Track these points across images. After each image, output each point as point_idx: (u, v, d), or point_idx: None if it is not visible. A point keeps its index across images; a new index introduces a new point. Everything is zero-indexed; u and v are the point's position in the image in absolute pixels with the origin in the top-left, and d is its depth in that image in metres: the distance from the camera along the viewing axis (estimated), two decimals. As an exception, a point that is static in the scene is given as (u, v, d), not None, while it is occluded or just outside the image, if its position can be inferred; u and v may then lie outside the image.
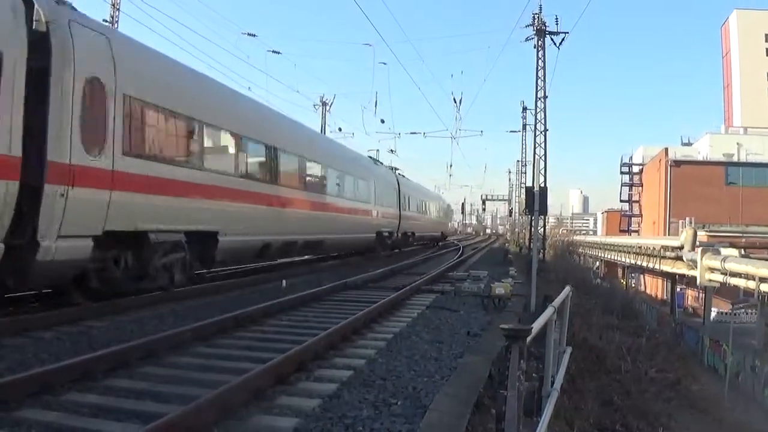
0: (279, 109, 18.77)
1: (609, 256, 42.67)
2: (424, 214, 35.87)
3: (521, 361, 4.03)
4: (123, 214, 8.82)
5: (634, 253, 34.73)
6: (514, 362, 3.97)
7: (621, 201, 60.32)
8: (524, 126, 39.10)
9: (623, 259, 38.08)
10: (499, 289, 11.06)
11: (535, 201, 13.26)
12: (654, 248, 30.90)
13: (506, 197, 73.07)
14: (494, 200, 79.76)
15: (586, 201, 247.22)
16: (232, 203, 11.99)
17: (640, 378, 12.87)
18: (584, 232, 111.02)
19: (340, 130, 35.89)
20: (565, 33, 24.82)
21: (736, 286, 20.17)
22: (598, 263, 47.32)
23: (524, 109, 37.88)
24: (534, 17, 24.79)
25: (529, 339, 4.29)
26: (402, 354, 6.80)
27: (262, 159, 13.96)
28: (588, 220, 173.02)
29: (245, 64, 69.25)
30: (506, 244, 46.37)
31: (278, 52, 29.97)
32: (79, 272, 8.43)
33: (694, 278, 23.14)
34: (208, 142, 11.45)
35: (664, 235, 41.75)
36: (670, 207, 44.54)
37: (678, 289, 31.57)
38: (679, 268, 26.30)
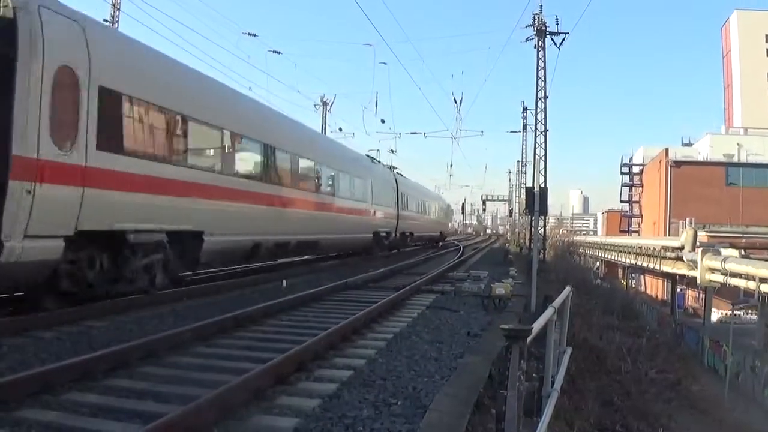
0: (279, 109, 18.67)
1: (609, 257, 42.66)
2: (423, 214, 35.43)
3: (521, 362, 4.03)
4: (97, 212, 8.34)
5: (634, 253, 34.72)
6: (514, 362, 3.97)
7: (621, 201, 60.33)
8: (524, 126, 39.13)
9: (623, 260, 38.07)
10: (500, 289, 11.06)
11: (536, 201, 13.27)
12: (654, 249, 30.90)
13: (506, 197, 73.12)
14: (494, 200, 79.85)
15: (586, 201, 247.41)
16: (218, 202, 11.45)
17: (641, 378, 12.87)
18: (584, 232, 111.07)
19: (340, 130, 35.93)
20: (566, 33, 24.84)
21: (736, 287, 20.16)
22: (598, 263, 47.31)
23: (524, 109, 37.92)
24: (534, 17, 24.81)
25: (529, 339, 4.29)
26: (402, 354, 6.80)
27: (252, 156, 13.49)
28: (588, 220, 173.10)
29: (246, 63, 69.27)
30: (506, 245, 46.36)
31: (279, 52, 30.04)
32: (49, 274, 7.93)
33: (695, 279, 23.13)
34: (192, 138, 10.86)
35: (665, 235, 41.74)
36: (671, 207, 44.54)
37: (678, 290, 31.55)
38: (680, 269, 26.30)
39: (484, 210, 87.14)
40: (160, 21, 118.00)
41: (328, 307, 10.21)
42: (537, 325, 4.75)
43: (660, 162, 47.62)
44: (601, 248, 46.03)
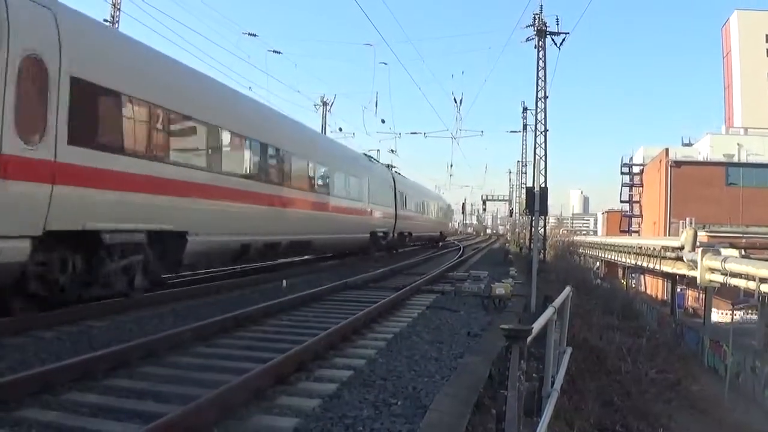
0: (279, 109, 18.61)
1: (609, 257, 42.65)
2: (422, 214, 34.87)
3: (521, 362, 4.04)
4: (69, 211, 7.82)
5: (634, 253, 34.71)
6: (514, 362, 3.97)
7: (621, 201, 60.30)
8: (525, 126, 39.16)
9: (623, 260, 38.06)
10: (500, 289, 11.06)
11: (536, 201, 13.27)
12: (654, 249, 30.89)
13: (507, 197, 73.15)
14: (495, 200, 79.91)
15: (586, 201, 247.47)
16: (203, 200, 10.91)
17: (641, 379, 12.86)
18: (584, 232, 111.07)
19: (340, 130, 35.93)
20: (566, 33, 24.85)
21: (736, 287, 20.14)
22: (598, 264, 47.30)
23: (525, 109, 37.95)
24: (535, 17, 24.82)
25: (529, 339, 4.30)
26: (402, 354, 6.80)
27: (239, 152, 12.90)
28: (588, 220, 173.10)
29: (246, 63, 69.39)
30: (507, 245, 46.35)
31: (279, 52, 29.97)
32: (17, 277, 7.42)
33: (695, 279, 23.11)
34: (175, 133, 10.33)
35: (665, 235, 41.73)
36: (671, 207, 44.52)
37: (678, 290, 31.55)
38: (680, 269, 26.29)
39: (485, 210, 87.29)
40: (160, 21, 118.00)
41: (328, 307, 10.21)
42: (537, 325, 4.76)
43: (660, 162, 47.61)
44: (601, 248, 46.01)
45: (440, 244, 40.10)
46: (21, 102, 7.14)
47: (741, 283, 19.29)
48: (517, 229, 53.91)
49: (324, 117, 36.22)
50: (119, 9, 23.46)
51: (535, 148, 26.49)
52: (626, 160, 58.21)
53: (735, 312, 23.61)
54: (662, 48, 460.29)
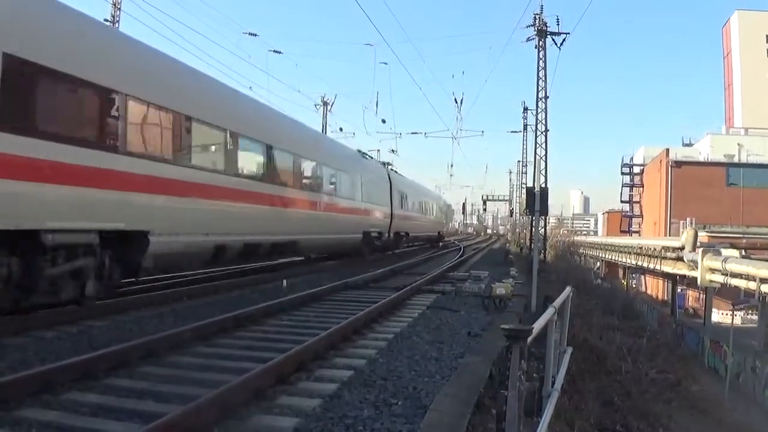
0: (280, 109, 18.43)
1: (610, 257, 42.64)
2: (420, 213, 33.60)
3: (522, 362, 4.04)
4: None
5: (634, 253, 34.71)
6: (514, 362, 3.97)
7: (622, 201, 60.27)
8: (525, 126, 39.20)
9: (624, 260, 38.05)
10: (500, 289, 11.06)
11: (536, 201, 13.26)
12: (655, 249, 30.88)
13: (507, 197, 73.14)
14: (495, 200, 79.88)
15: (586, 201, 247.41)
16: (168, 197, 9.82)
17: (641, 379, 12.85)
18: (585, 232, 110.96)
19: (341, 129, 35.87)
20: (567, 33, 24.84)
21: (736, 287, 20.14)
22: (598, 264, 47.29)
23: (525, 109, 37.97)
24: (535, 18, 24.82)
25: (529, 339, 4.30)
26: (402, 354, 6.80)
27: (212, 143, 11.73)
28: (589, 220, 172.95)
29: (246, 63, 69.41)
30: (507, 245, 46.35)
31: (279, 52, 29.98)
32: None
33: (695, 279, 23.11)
34: (132, 121, 9.11)
35: (665, 235, 41.72)
36: (671, 208, 44.50)
37: (679, 290, 31.54)
38: (680, 269, 26.28)
39: (485, 210, 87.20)
40: (160, 21, 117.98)
41: (329, 307, 10.21)
42: (537, 326, 4.76)
43: (660, 162, 47.59)
44: (601, 248, 46.01)
45: (440, 244, 39.90)
46: None
47: (741, 283, 19.30)
48: (517, 229, 53.94)
49: (324, 117, 36.22)
50: (119, 8, 23.47)
51: (535, 148, 26.51)
52: (626, 161, 58.23)
53: (735, 313, 23.59)
54: (662, 48, 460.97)
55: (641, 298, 33.72)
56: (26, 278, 7.43)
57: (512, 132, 56.69)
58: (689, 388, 15.54)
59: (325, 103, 36.36)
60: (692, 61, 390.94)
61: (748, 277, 18.57)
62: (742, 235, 32.17)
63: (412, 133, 66.37)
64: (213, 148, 11.83)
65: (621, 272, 42.91)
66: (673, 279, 30.66)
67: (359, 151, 25.16)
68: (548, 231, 30.87)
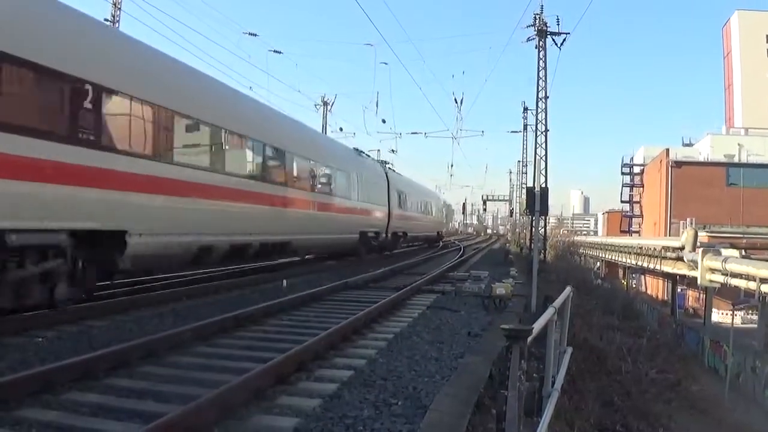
0: (280, 109, 18.38)
1: (610, 257, 42.64)
2: (419, 213, 33.16)
3: (522, 362, 4.04)
4: None
5: (634, 253, 34.70)
6: (514, 362, 3.97)
7: (622, 201, 60.25)
8: (525, 126, 39.20)
9: (624, 260, 38.04)
10: (500, 289, 11.06)
11: (536, 201, 13.26)
12: (655, 249, 30.88)
13: (507, 197, 73.14)
14: (495, 200, 79.87)
15: (586, 201, 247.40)
16: (147, 195, 9.31)
17: (641, 379, 12.85)
18: (585, 232, 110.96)
19: (341, 129, 35.90)
20: (567, 33, 24.81)
21: (736, 287, 20.14)
22: (598, 264, 47.29)
23: (525, 109, 37.96)
24: (535, 18, 24.80)
25: (529, 339, 4.30)
26: (402, 354, 6.80)
27: (194, 138, 11.17)
28: (589, 220, 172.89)
29: (247, 63, 69.35)
30: (507, 245, 46.35)
31: (280, 52, 30.05)
32: None
33: (695, 279, 23.10)
34: (107, 113, 8.57)
35: (665, 235, 41.71)
36: (671, 208, 44.50)
37: (679, 290, 31.54)
38: (680, 269, 26.28)
39: (485, 210, 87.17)
40: (161, 21, 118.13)
41: (329, 307, 10.21)
42: (537, 326, 4.76)
43: (661, 162, 47.59)
44: (601, 248, 46.01)
45: (439, 244, 39.81)
46: None
47: (741, 283, 19.29)
48: (517, 229, 53.94)
49: (325, 117, 36.24)
50: (120, 8, 23.48)
51: (535, 148, 26.49)
52: (627, 161, 58.20)
53: (735, 313, 23.59)
54: (662, 48, 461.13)
55: (641, 298, 33.72)
56: None
57: (512, 132, 56.80)
58: (689, 388, 15.54)
59: (325, 103, 36.38)
60: (692, 61, 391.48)
61: (748, 277, 18.57)
62: (742, 235, 32.17)
63: (412, 133, 66.61)
64: (196, 143, 11.32)
65: (621, 272, 42.90)
66: (673, 279, 30.66)
67: (356, 149, 24.74)
68: (548, 231, 30.86)
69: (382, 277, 15.35)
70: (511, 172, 69.92)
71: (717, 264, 20.93)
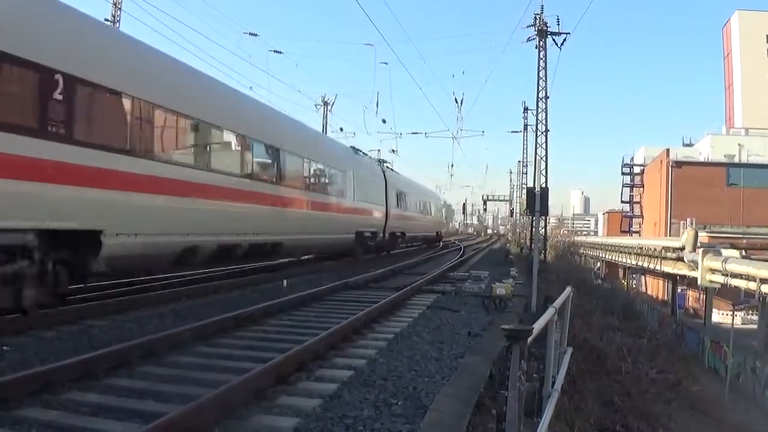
0: (281, 109, 18.29)
1: (610, 257, 42.65)
2: (418, 213, 32.83)
3: (522, 362, 4.04)
4: None
5: (635, 253, 34.71)
6: (514, 363, 3.97)
7: (622, 202, 60.27)
8: (525, 126, 39.21)
9: (624, 260, 38.06)
10: (500, 289, 11.06)
11: (536, 201, 13.26)
12: (655, 249, 30.88)
13: (507, 198, 73.12)
14: (495, 200, 79.80)
15: (587, 202, 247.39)
16: (125, 192, 8.77)
17: (641, 379, 12.85)
18: (585, 232, 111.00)
19: (341, 129, 35.87)
20: (567, 33, 24.87)
21: (737, 287, 20.14)
22: (599, 264, 47.31)
23: (525, 109, 37.97)
24: (535, 18, 24.85)
25: (530, 339, 4.30)
26: (403, 354, 6.80)
27: (177, 133, 10.68)
28: (589, 220, 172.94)
29: (247, 63, 69.30)
30: (507, 245, 46.36)
31: (280, 52, 29.98)
32: None
33: (695, 279, 23.11)
34: (81, 107, 8.05)
35: (665, 236, 41.71)
36: (671, 208, 44.49)
37: (679, 290, 31.54)
38: (680, 269, 26.28)
39: (485, 210, 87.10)
40: (161, 21, 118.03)
41: (329, 307, 10.21)
42: (538, 326, 4.76)
43: (661, 162, 47.59)
44: (601, 249, 46.02)
45: (439, 244, 39.72)
46: None
47: (742, 283, 19.29)
48: (517, 230, 53.95)
49: (325, 117, 36.23)
50: (120, 8, 23.48)
51: (535, 148, 26.51)
52: (627, 161, 58.20)
53: (736, 313, 23.58)
54: (662, 48, 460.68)
55: (641, 299, 33.72)
56: None
57: (512, 132, 56.65)
58: (689, 389, 15.55)
59: (325, 103, 36.38)
60: (692, 61, 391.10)
61: (748, 278, 18.57)
62: (742, 236, 32.15)
63: (413, 133, 66.50)
64: (179, 138, 10.82)
65: (621, 272, 42.91)
66: (673, 279, 30.66)
67: (352, 147, 24.30)
68: (548, 231, 30.87)
69: (382, 277, 15.35)
70: (511, 172, 69.95)
71: (717, 264, 20.93)
